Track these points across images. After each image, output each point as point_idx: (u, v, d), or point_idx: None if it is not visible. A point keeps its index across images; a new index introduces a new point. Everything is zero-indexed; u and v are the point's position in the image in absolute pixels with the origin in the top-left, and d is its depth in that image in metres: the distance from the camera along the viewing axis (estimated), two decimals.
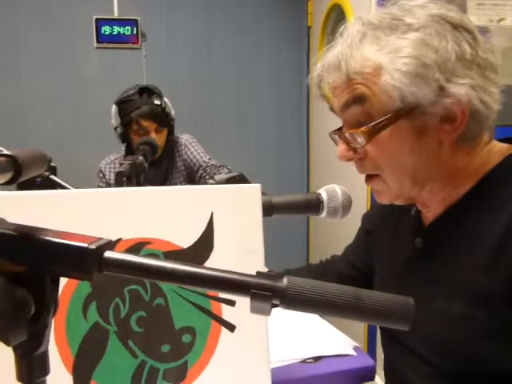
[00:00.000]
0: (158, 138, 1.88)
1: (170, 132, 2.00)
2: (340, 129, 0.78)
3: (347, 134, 0.74)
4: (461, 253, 0.73)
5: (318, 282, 0.39)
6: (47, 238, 0.38)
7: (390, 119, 0.68)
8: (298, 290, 0.38)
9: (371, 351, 2.24)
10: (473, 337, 0.69)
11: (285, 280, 0.38)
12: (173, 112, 1.99)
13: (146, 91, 1.92)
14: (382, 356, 0.90)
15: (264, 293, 0.38)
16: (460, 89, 0.66)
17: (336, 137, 0.78)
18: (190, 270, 0.39)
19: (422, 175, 0.73)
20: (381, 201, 0.79)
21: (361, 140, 0.71)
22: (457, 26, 0.68)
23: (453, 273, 0.73)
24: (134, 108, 1.88)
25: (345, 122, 0.76)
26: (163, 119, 1.91)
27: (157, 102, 1.89)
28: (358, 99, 0.70)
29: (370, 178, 0.77)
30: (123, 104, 1.91)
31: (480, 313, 0.68)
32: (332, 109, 0.77)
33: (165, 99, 1.96)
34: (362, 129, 0.70)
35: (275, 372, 0.84)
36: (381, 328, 0.89)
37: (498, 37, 1.94)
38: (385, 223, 0.92)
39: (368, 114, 0.70)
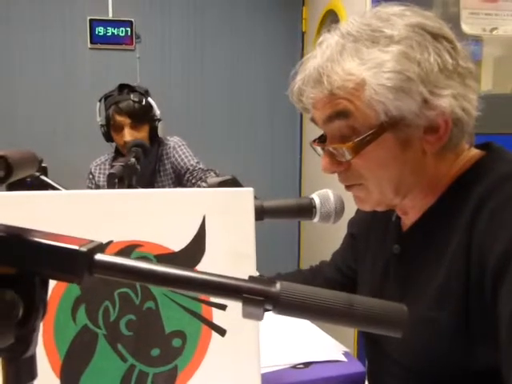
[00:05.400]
0: (134, 135, 1.83)
1: (154, 133, 1.93)
2: (322, 140, 0.77)
3: (331, 148, 0.73)
4: (430, 257, 0.74)
5: (311, 288, 0.39)
6: (37, 239, 0.38)
7: (375, 133, 0.68)
8: (291, 296, 0.37)
9: (361, 356, 2.24)
10: (436, 337, 0.69)
11: (278, 285, 0.38)
12: (157, 112, 1.93)
13: (126, 87, 1.90)
14: None
15: (256, 298, 0.37)
16: (443, 101, 0.66)
17: (318, 148, 0.77)
18: (182, 273, 0.39)
19: (405, 185, 0.74)
20: (362, 208, 0.80)
21: (346, 154, 0.70)
22: (437, 36, 0.68)
23: (421, 276, 0.74)
24: (111, 103, 1.87)
25: (328, 134, 0.75)
26: (139, 116, 1.86)
27: (135, 98, 1.85)
28: (341, 114, 0.69)
29: (351, 185, 0.77)
30: (105, 101, 1.92)
31: (442, 313, 0.69)
32: (313, 120, 0.76)
33: (149, 99, 1.91)
34: (348, 144, 0.69)
35: (265, 377, 0.83)
36: (363, 332, 0.89)
37: (491, 46, 1.96)
38: (368, 228, 0.93)
39: (352, 128, 0.70)
